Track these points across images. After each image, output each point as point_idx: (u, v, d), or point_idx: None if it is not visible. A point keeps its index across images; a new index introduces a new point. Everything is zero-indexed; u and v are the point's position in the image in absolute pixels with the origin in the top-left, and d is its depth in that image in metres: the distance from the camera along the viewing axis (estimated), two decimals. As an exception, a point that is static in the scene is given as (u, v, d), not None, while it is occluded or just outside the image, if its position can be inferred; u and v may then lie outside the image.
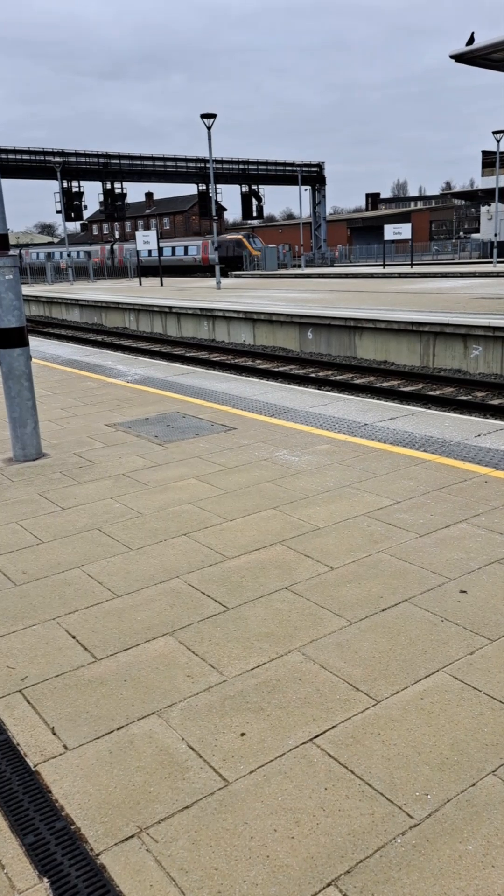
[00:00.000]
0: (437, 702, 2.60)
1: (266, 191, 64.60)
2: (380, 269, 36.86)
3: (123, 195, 57.50)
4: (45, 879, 1.94)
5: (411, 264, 37.27)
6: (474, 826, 2.05)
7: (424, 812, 2.10)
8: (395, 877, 1.89)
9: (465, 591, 3.38)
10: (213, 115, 28.02)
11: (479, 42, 11.24)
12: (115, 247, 58.52)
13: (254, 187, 60.82)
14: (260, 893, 1.87)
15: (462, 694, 2.63)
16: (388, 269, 36.14)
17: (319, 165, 64.05)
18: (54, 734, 2.53)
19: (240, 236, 53.23)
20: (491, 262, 34.51)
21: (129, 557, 3.96)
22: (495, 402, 10.83)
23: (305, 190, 62.42)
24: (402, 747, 2.37)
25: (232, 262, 50.08)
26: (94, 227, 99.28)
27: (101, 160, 55.58)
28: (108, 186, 56.17)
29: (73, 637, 3.17)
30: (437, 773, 2.25)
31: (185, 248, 53.86)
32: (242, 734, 2.48)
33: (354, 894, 1.85)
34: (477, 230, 64.46)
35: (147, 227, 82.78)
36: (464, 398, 11.07)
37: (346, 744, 2.40)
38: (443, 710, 2.55)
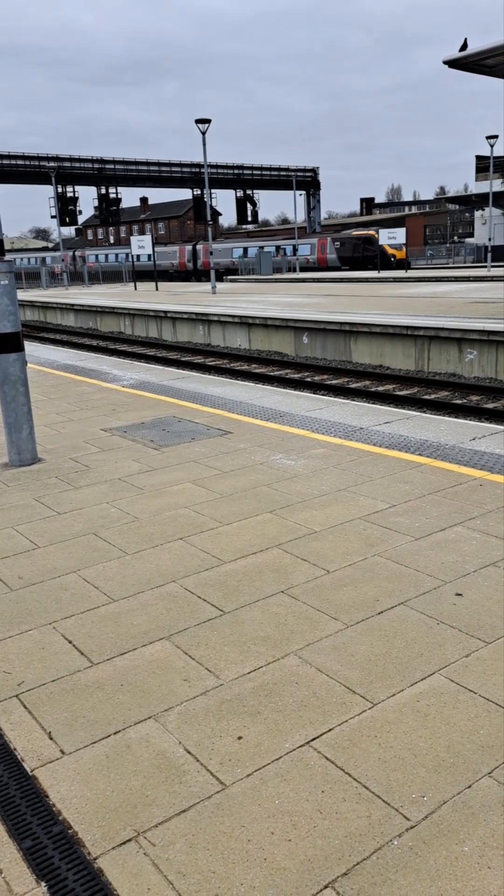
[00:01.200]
0: (434, 704, 2.61)
1: (261, 195, 64.62)
2: (374, 274, 36.97)
3: (118, 200, 57.56)
4: (43, 883, 1.94)
5: (406, 268, 37.38)
6: (470, 828, 2.06)
7: (421, 814, 2.11)
8: (391, 878, 1.90)
9: (460, 594, 3.39)
10: (208, 121, 28.08)
11: (473, 48, 11.32)
12: (199, 246, 52.98)
13: (248, 192, 60.97)
14: (257, 896, 1.87)
15: (458, 696, 2.64)
16: (382, 274, 36.24)
17: (314, 170, 64.24)
18: (51, 739, 2.53)
19: (371, 231, 44.90)
20: (485, 267, 34.64)
21: (126, 562, 3.97)
22: (490, 405, 10.86)
23: (300, 195, 62.62)
24: (398, 750, 2.38)
25: (358, 263, 44.36)
26: (90, 231, 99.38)
27: (96, 165, 55.67)
28: (103, 191, 56.25)
29: (70, 642, 3.17)
30: (433, 776, 2.26)
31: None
32: (239, 738, 2.48)
33: (351, 896, 1.85)
34: (471, 235, 64.72)
35: (142, 232, 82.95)
36: (459, 402, 11.11)
37: (343, 747, 2.41)
38: (439, 712, 2.56)
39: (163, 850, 2.03)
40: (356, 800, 2.18)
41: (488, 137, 32.65)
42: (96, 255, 62.68)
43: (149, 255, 44.83)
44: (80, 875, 1.96)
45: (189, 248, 53.97)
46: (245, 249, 52.35)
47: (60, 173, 52.02)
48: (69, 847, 2.05)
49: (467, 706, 2.59)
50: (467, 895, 1.84)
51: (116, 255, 60.63)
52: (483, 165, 52.43)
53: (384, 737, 2.45)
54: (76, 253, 60.70)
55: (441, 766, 2.30)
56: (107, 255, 62.73)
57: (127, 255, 51.71)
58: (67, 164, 54.41)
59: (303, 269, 47.14)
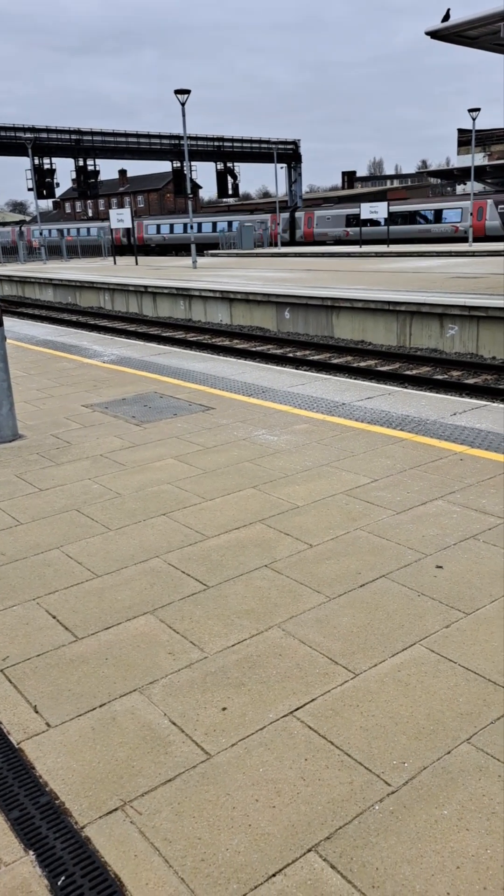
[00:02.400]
0: (414, 674, 2.66)
1: (242, 168, 63.91)
2: (356, 248, 36.82)
3: (97, 172, 56.55)
4: (31, 852, 1.97)
5: (387, 243, 37.22)
6: (450, 792, 2.11)
7: (402, 780, 2.16)
8: (373, 841, 1.95)
9: (440, 567, 3.44)
10: (188, 91, 27.61)
11: (455, 19, 11.20)
12: (300, 214, 45.22)
13: (229, 165, 60.19)
14: (242, 860, 1.91)
15: (438, 666, 2.70)
16: (364, 248, 36.09)
17: (295, 143, 63.51)
18: (37, 712, 2.55)
19: None
20: (466, 242, 34.59)
21: (109, 538, 3.97)
22: (471, 381, 10.93)
23: (281, 168, 61.91)
24: (380, 718, 2.43)
25: None
26: (67, 204, 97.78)
27: (74, 136, 54.58)
28: (81, 164, 55.22)
29: (54, 617, 3.18)
30: (413, 743, 2.31)
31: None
32: (224, 709, 2.52)
33: (334, 859, 1.90)
34: (453, 209, 64.33)
35: (121, 205, 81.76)
36: (440, 377, 11.16)
37: (326, 716, 2.45)
38: (419, 681, 2.61)
39: (149, 819, 2.07)
40: (338, 767, 2.22)
41: (470, 110, 32.40)
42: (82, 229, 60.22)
43: (229, 224, 39.23)
44: (67, 843, 1.99)
45: (285, 216, 46.45)
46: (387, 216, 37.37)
47: (37, 145, 50.95)
48: (56, 817, 2.08)
49: (447, 675, 2.64)
50: (447, 856, 1.90)
51: (172, 225, 53.36)
52: (465, 139, 52.20)
53: (366, 706, 2.49)
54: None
55: (421, 733, 2.35)
56: (165, 225, 55.18)
57: (191, 225, 38.57)
58: (44, 135, 53.27)
59: (448, 240, 36.91)
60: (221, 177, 60.15)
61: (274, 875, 1.87)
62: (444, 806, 2.06)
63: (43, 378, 8.54)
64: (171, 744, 2.36)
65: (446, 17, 11.36)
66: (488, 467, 4.74)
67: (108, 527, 4.11)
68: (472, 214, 36.23)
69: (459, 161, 55.38)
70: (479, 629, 2.92)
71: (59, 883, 1.88)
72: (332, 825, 2.01)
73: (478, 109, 32.37)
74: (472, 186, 36.22)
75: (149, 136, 57.78)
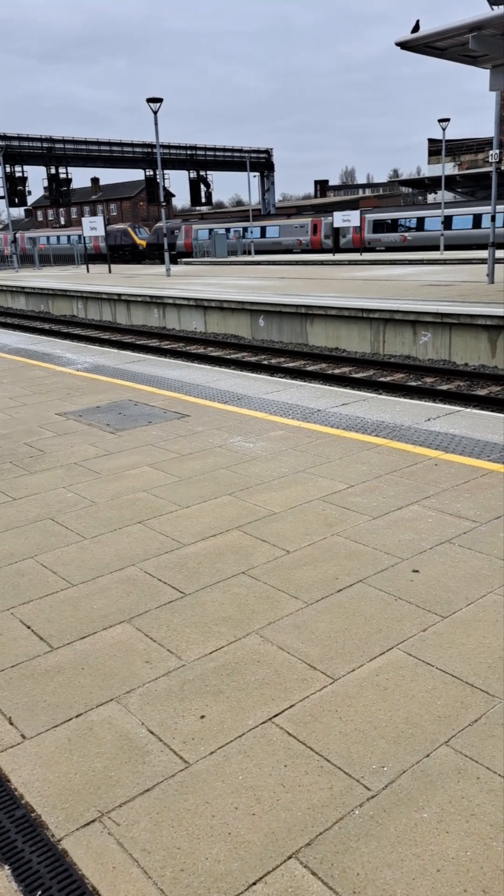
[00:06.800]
0: (392, 678, 2.66)
1: (215, 177, 63.94)
2: (329, 256, 37.05)
3: (69, 180, 56.30)
4: (6, 867, 1.93)
5: (360, 251, 37.53)
6: (429, 795, 2.11)
7: (381, 784, 2.16)
8: (353, 847, 1.94)
9: (417, 571, 3.46)
10: (160, 100, 27.62)
11: (425, 30, 11.34)
12: (373, 216, 40.40)
13: (202, 173, 60.30)
14: (222, 869, 1.89)
15: (416, 669, 2.70)
16: (337, 257, 36.34)
17: (268, 151, 63.87)
18: (11, 724, 2.51)
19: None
20: (438, 250, 35.00)
21: (84, 546, 3.93)
22: (444, 387, 11.04)
23: (254, 176, 62.19)
24: (358, 723, 2.43)
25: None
26: (39, 212, 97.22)
27: (45, 144, 54.30)
28: (53, 171, 54.94)
29: (28, 627, 3.14)
30: (392, 746, 2.31)
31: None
32: (202, 717, 2.50)
33: (315, 865, 1.89)
34: (424, 218, 65.11)
35: (94, 213, 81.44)
36: (414, 384, 11.26)
37: (305, 722, 2.45)
38: (398, 685, 2.62)
39: (127, 829, 2.04)
40: (318, 773, 2.22)
41: (440, 121, 32.84)
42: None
43: (262, 230, 35.94)
44: (43, 857, 1.95)
45: (326, 219, 42.11)
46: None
47: (8, 152, 50.61)
48: (32, 830, 2.05)
49: (425, 679, 2.65)
50: (427, 860, 1.90)
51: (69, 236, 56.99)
52: (435, 148, 52.89)
53: (345, 711, 2.49)
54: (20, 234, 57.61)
55: (400, 737, 2.36)
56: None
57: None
58: (15, 142, 52.92)
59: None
60: (194, 185, 60.24)
61: (254, 883, 1.85)
62: (424, 809, 2.06)
63: (15, 386, 8.45)
64: (149, 753, 2.34)
65: (416, 29, 11.50)
66: (462, 472, 4.78)
67: (83, 535, 4.07)
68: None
69: (430, 170, 56.10)
70: (456, 632, 2.94)
71: (35, 898, 1.84)
72: (313, 831, 2.00)
73: (447, 120, 32.84)
74: (443, 195, 36.69)
75: (121, 144, 57.69)
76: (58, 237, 58.36)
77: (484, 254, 26.57)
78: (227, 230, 47.73)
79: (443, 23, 11.01)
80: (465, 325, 12.69)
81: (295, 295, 17.53)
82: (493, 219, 17.32)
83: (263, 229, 46.01)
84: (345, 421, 6.19)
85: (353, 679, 2.66)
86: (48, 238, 58.13)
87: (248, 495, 4.53)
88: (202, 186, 60.46)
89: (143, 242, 49.16)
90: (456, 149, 55.43)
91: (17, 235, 53.77)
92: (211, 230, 46.34)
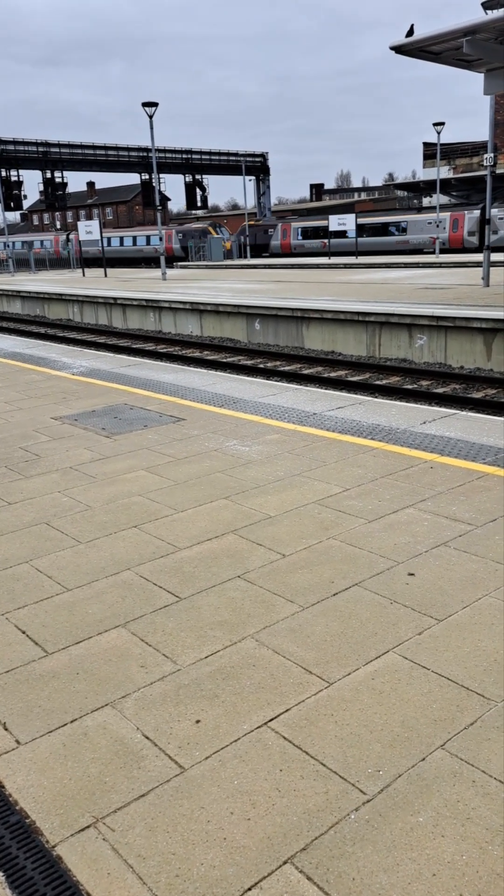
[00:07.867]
0: (388, 681, 2.66)
1: (210, 181, 64.02)
2: (325, 260, 37.11)
3: (64, 184, 56.34)
4: (1, 873, 1.92)
5: (356, 254, 37.58)
6: (425, 799, 2.11)
7: (377, 788, 2.16)
8: (349, 851, 1.94)
9: (413, 574, 3.46)
10: (155, 104, 27.66)
11: (419, 34, 11.37)
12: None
13: (198, 177, 60.40)
14: (217, 875, 1.89)
15: (411, 673, 2.70)
16: (333, 260, 36.40)
17: (263, 155, 63.99)
18: (6, 730, 2.50)
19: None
20: (433, 253, 35.07)
21: (79, 551, 3.92)
22: (440, 390, 11.05)
23: (250, 180, 62.30)
24: (354, 727, 2.42)
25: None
26: (35, 216, 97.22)
27: (41, 148, 54.33)
28: (49, 175, 54.97)
29: (23, 632, 3.13)
30: (388, 750, 2.31)
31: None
32: (198, 721, 2.49)
33: (310, 870, 1.88)
34: (420, 221, 65.23)
35: (89, 217, 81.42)
36: (409, 387, 11.27)
37: (300, 726, 2.44)
38: (393, 689, 2.61)
39: (122, 835, 2.03)
40: (314, 777, 2.21)
41: (435, 124, 32.94)
42: (120, 239, 53.28)
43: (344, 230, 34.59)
44: (38, 863, 1.94)
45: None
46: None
47: (3, 156, 50.67)
48: (27, 836, 2.04)
49: (420, 682, 2.65)
50: (423, 864, 1.89)
51: (135, 238, 51.24)
52: (430, 152, 53.05)
53: (340, 715, 2.49)
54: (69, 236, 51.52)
55: (396, 740, 2.35)
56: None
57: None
58: (11, 146, 52.95)
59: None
60: (190, 189, 60.34)
61: (250, 889, 1.84)
62: (420, 813, 2.06)
63: (10, 391, 8.44)
64: (144, 758, 2.33)
65: (410, 33, 11.53)
66: (458, 475, 4.79)
67: (78, 540, 4.06)
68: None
69: (425, 174, 56.21)
70: (452, 635, 2.94)
71: (30, 905, 1.83)
72: (308, 836, 2.00)
73: (442, 123, 32.94)
74: (438, 199, 36.79)
75: (117, 148, 57.76)
76: (121, 238, 53.50)
77: (479, 257, 26.65)
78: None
79: (437, 27, 11.03)
80: (460, 329, 12.71)
81: (290, 298, 17.55)
82: (488, 222, 17.36)
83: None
84: (340, 424, 6.19)
85: (348, 683, 2.66)
86: (109, 240, 52.20)
87: (243, 499, 4.53)
88: (198, 190, 60.55)
89: (228, 245, 46.41)
90: (451, 152, 55.60)
91: (71, 237, 50.80)
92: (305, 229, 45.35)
